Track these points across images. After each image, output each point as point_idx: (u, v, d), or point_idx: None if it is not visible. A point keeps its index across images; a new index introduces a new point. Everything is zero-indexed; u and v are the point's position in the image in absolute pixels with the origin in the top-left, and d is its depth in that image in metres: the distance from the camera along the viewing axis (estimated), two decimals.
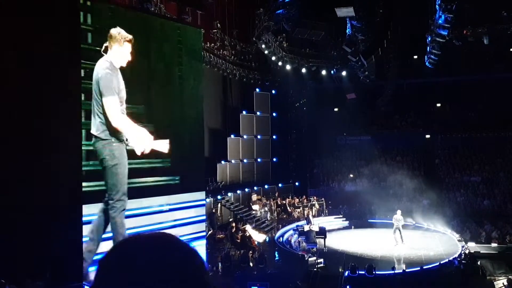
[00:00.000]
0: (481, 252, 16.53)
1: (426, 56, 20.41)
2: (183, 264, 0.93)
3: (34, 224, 9.50)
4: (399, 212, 18.17)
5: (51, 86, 9.60)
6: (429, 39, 18.86)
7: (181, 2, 15.67)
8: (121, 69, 8.46)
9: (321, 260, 15.47)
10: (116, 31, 8.22)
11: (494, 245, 17.55)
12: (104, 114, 7.97)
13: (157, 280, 0.88)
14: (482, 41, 19.50)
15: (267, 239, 18.49)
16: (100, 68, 8.11)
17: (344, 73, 24.50)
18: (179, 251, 0.96)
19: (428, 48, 19.58)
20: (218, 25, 19.96)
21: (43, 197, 9.49)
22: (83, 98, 9.34)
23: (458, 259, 15.73)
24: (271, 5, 19.12)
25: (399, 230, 17.86)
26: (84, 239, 9.02)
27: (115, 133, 8.12)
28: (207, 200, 17.00)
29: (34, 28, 9.53)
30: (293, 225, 20.25)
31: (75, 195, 9.45)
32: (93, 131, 8.22)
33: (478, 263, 15.44)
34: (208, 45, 18.82)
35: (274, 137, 25.94)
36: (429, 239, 19.39)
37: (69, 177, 9.57)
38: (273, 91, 25.70)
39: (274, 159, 25.88)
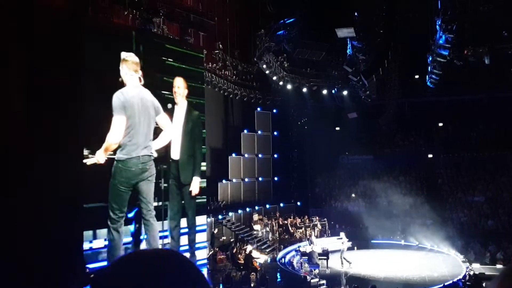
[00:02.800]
0: (486, 273, 16.27)
1: (427, 76, 20.47)
2: None
3: (33, 230, 9.39)
4: (342, 234, 18.11)
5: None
6: (430, 59, 18.93)
7: (184, 24, 15.80)
8: None
9: (324, 281, 15.28)
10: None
11: (499, 266, 17.30)
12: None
13: None
14: (483, 61, 19.57)
15: (269, 260, 18.29)
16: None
17: (345, 92, 24.53)
18: (186, 276, 0.83)
19: (429, 68, 19.66)
20: (220, 45, 20.14)
21: (43, 201, 9.40)
22: None
23: (463, 280, 15.50)
24: (272, 26, 19.29)
25: (343, 252, 17.87)
26: None
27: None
28: (208, 220, 16.85)
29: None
30: (295, 246, 20.03)
31: (75, 205, 9.34)
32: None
33: (483, 284, 15.17)
34: (210, 65, 18.96)
35: (275, 156, 25.89)
36: (433, 259, 19.16)
37: (70, 186, 9.45)
38: (274, 110, 25.77)
39: (276, 178, 25.77)
